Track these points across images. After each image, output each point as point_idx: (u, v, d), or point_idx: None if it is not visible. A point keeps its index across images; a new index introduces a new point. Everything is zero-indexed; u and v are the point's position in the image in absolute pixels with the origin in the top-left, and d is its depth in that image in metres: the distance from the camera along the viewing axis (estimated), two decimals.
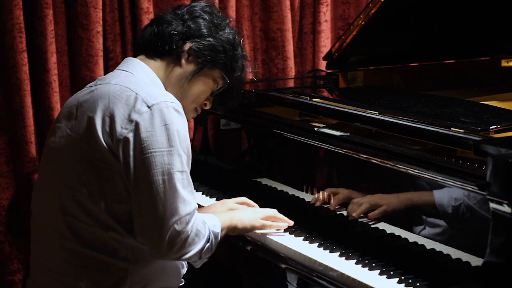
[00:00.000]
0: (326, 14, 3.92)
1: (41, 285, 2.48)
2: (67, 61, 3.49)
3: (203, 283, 3.49)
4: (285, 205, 2.77)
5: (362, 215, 2.53)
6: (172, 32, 2.53)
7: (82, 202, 2.38)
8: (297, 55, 3.99)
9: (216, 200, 2.99)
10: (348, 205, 2.58)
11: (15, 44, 3.30)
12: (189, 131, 3.61)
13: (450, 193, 2.25)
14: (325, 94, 3.25)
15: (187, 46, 2.54)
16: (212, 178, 3.20)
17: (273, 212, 2.64)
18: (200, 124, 3.36)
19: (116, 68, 2.58)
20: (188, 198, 2.36)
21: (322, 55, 3.80)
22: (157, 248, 2.35)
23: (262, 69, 3.95)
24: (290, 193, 2.90)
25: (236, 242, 2.67)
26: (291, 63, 3.90)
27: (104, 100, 2.39)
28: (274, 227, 2.62)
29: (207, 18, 2.57)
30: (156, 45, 2.55)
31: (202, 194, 3.07)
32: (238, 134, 3.26)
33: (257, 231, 2.62)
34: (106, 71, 3.53)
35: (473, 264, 2.20)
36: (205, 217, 2.45)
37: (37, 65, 3.38)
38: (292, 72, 3.90)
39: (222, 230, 2.49)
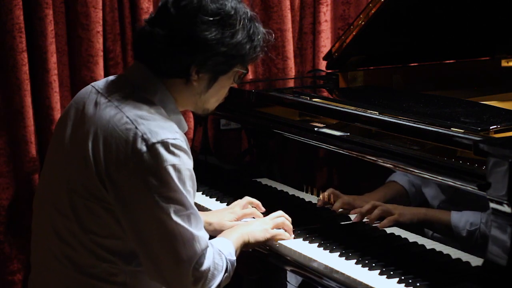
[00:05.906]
0: (326, 14, 3.92)
1: None
2: (67, 61, 3.49)
3: None
4: (285, 205, 2.77)
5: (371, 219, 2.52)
6: (177, 57, 2.24)
7: (74, 232, 2.24)
8: (297, 55, 3.99)
9: (216, 200, 2.99)
10: (360, 209, 2.55)
11: (15, 44, 3.30)
12: (189, 131, 3.63)
13: (467, 216, 2.22)
14: (325, 94, 3.24)
15: (193, 69, 2.27)
16: (212, 178, 3.19)
17: (281, 220, 2.58)
18: (200, 124, 3.35)
19: (125, 78, 2.37)
20: (200, 233, 2.23)
21: (322, 55, 3.80)
22: None
23: (262, 69, 3.95)
24: (290, 193, 2.90)
25: None
26: (291, 63, 3.89)
27: (104, 127, 2.21)
28: (284, 237, 2.56)
29: (210, 26, 2.23)
30: (160, 64, 2.27)
31: (202, 194, 3.07)
32: (238, 134, 3.26)
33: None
34: (106, 71, 3.53)
35: (473, 264, 2.20)
36: (220, 246, 2.33)
37: (37, 65, 3.38)
38: (292, 72, 3.90)
39: (236, 251, 2.39)
